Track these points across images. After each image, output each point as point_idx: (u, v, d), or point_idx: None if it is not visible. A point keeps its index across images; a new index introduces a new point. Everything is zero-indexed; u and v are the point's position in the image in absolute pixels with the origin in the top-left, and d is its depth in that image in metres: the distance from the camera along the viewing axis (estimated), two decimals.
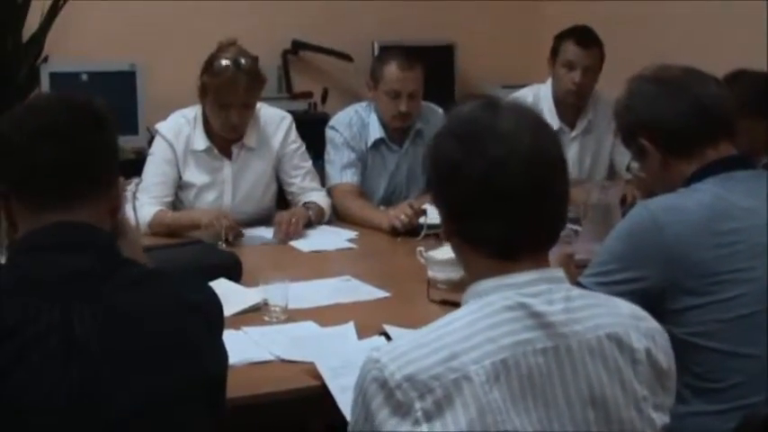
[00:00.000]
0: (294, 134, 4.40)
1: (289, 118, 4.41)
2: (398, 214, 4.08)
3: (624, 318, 1.78)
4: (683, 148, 2.64)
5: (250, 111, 4.16)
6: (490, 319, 1.69)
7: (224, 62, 4.06)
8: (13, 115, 1.98)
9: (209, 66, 4.09)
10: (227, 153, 4.26)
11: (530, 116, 1.85)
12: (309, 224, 4.20)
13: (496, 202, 1.76)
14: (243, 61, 4.07)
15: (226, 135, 4.19)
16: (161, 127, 4.25)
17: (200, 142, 4.21)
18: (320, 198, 4.36)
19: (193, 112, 4.24)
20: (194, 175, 4.23)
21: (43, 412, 1.74)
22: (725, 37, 5.32)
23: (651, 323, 1.81)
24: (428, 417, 1.61)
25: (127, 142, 4.70)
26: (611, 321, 1.75)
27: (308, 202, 4.29)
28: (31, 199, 1.91)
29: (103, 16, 5.69)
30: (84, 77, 5.38)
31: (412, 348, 1.66)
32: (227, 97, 4.05)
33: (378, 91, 4.50)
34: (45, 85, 5.26)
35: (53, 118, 1.94)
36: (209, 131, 4.21)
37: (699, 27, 5.58)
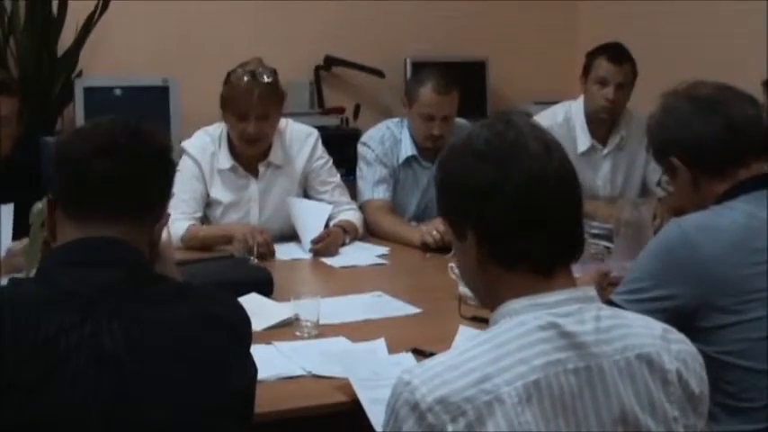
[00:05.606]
0: (320, 150, 4.40)
1: (315, 134, 4.42)
2: (430, 230, 4.08)
3: (656, 339, 1.76)
4: (714, 167, 2.63)
5: (268, 124, 4.16)
6: (522, 339, 1.68)
7: (241, 73, 4.09)
8: (79, 130, 2.07)
9: (228, 78, 4.15)
10: (253, 171, 4.27)
11: (545, 131, 1.85)
12: (343, 243, 4.21)
13: (538, 214, 1.75)
14: (259, 72, 4.10)
15: (244, 149, 4.20)
16: (187, 145, 4.27)
17: (225, 161, 4.23)
18: (353, 216, 4.37)
19: (218, 130, 4.27)
20: (221, 193, 4.25)
21: (76, 427, 1.75)
22: (758, 50, 5.30)
23: (684, 345, 1.79)
24: None
25: None
26: (641, 342, 1.74)
27: (343, 221, 4.30)
28: (73, 211, 1.95)
29: (137, 31, 5.73)
30: (118, 92, 5.41)
31: (443, 370, 1.64)
32: (243, 107, 4.07)
33: (412, 110, 4.50)
34: (79, 99, 5.30)
35: (111, 138, 1.97)
36: (233, 150, 4.24)
37: (731, 42, 5.57)
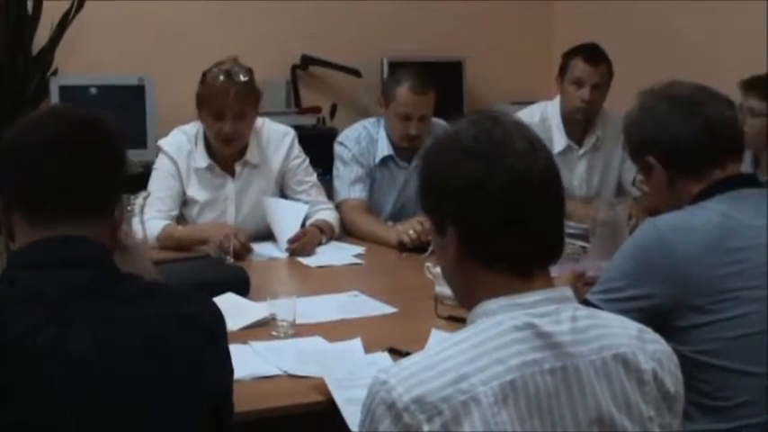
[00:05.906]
0: (297, 149, 4.40)
1: (291, 133, 4.41)
2: (407, 230, 4.08)
3: (631, 339, 1.76)
4: (690, 167, 2.64)
5: (244, 123, 4.15)
6: (499, 339, 1.67)
7: (217, 72, 4.09)
8: (20, 126, 1.97)
9: (204, 77, 4.14)
10: (230, 170, 4.26)
11: (530, 130, 1.84)
12: (319, 243, 4.20)
13: (520, 214, 1.75)
14: (235, 71, 4.10)
15: (220, 148, 4.19)
16: (163, 143, 4.27)
17: (202, 160, 4.22)
18: (330, 215, 4.36)
19: (194, 129, 4.25)
20: (197, 192, 4.24)
21: (50, 429, 1.73)
22: (732, 53, 5.33)
23: (659, 345, 1.80)
24: None
25: (135, 156, 4.69)
26: (617, 342, 1.74)
27: (319, 221, 4.28)
28: (31, 211, 1.90)
29: (113, 30, 5.71)
30: (94, 91, 5.39)
31: (420, 370, 1.64)
32: (219, 106, 4.06)
33: (388, 110, 4.50)
34: (54, 97, 5.28)
35: (58, 132, 1.92)
36: (210, 149, 4.23)
37: (706, 43, 5.59)
